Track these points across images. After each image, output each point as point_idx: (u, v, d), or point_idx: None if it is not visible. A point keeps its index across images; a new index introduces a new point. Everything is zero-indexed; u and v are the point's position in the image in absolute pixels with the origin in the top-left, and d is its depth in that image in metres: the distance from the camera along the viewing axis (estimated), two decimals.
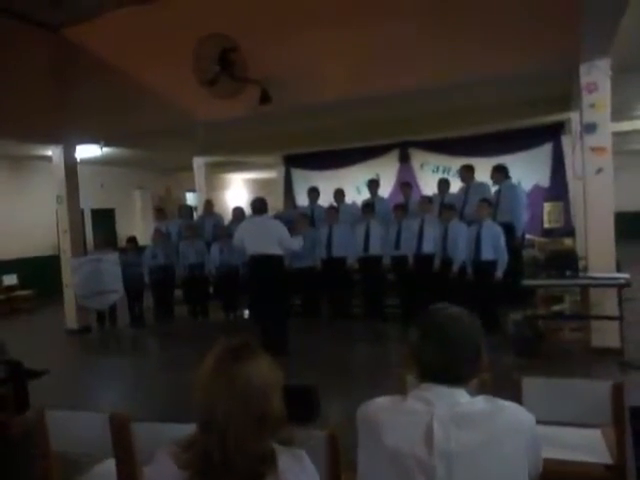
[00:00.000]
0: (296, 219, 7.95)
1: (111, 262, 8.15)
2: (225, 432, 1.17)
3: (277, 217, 8.35)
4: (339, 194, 8.47)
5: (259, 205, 6.17)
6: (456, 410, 1.30)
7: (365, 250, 7.47)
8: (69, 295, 8.17)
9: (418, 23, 5.67)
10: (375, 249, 7.45)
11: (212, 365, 1.25)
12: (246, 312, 8.33)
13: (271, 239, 5.85)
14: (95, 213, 12.42)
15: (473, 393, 1.38)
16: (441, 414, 1.29)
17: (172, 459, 1.22)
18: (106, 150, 9.30)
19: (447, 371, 1.35)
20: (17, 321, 9.16)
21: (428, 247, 7.00)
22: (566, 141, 8.91)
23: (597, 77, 5.16)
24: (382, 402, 1.40)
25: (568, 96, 6.69)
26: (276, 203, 9.80)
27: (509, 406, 1.35)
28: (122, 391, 5.55)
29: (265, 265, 5.87)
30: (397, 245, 7.31)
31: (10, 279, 10.40)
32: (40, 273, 10.39)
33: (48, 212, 10.44)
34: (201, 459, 1.19)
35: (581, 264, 5.60)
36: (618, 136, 8.76)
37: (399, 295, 7.50)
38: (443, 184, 7.93)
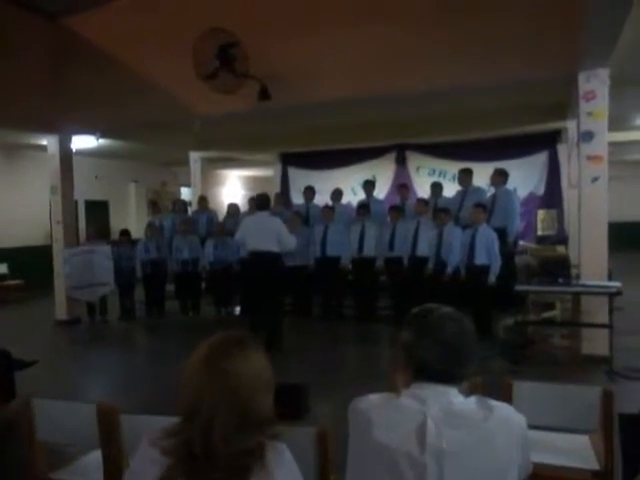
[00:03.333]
0: (290, 217, 7.95)
1: (103, 254, 8.10)
2: (209, 425, 1.17)
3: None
4: (336, 194, 8.46)
5: (262, 201, 6.18)
6: (449, 409, 1.30)
7: (359, 251, 7.47)
8: (60, 286, 8.11)
9: (420, 27, 5.68)
10: (369, 250, 7.45)
11: (202, 356, 1.25)
12: (237, 308, 8.31)
13: (271, 236, 5.85)
14: (89, 205, 12.35)
15: (465, 395, 1.38)
16: (434, 413, 1.29)
17: (154, 446, 1.22)
18: (102, 142, 9.25)
19: (442, 370, 1.34)
20: (6, 311, 9.09)
21: (423, 250, 7.01)
22: (562, 150, 8.95)
23: (595, 86, 5.18)
24: (374, 399, 1.39)
25: (565, 104, 6.73)
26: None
27: (501, 406, 1.35)
28: (110, 383, 5.51)
29: (264, 262, 5.88)
30: (391, 246, 7.32)
31: (0, 268, 10.32)
32: (31, 263, 10.30)
33: (41, 202, 10.36)
34: (183, 447, 1.19)
35: (573, 272, 5.62)
36: (614, 146, 8.81)
37: (392, 297, 7.50)
38: (436, 188, 7.96)
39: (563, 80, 5.50)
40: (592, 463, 2.29)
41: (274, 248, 5.88)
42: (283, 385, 3.67)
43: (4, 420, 3.85)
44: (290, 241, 6.04)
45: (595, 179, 5.23)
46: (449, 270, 6.68)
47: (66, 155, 8.15)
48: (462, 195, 7.61)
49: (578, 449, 2.39)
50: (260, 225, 5.97)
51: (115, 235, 10.35)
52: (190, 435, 1.18)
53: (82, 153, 9.74)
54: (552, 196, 9.27)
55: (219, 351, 1.25)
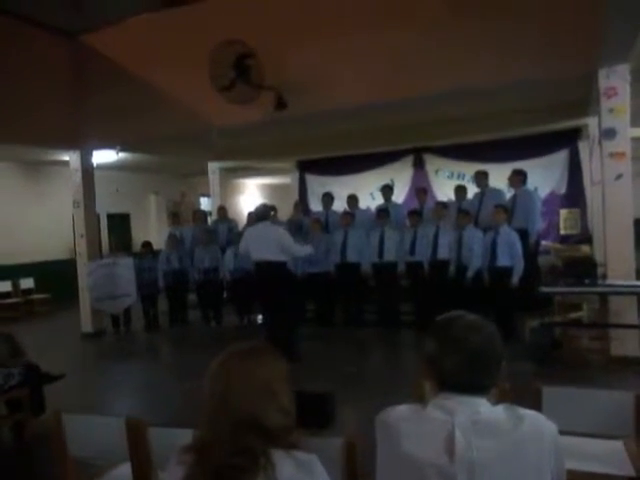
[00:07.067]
0: (309, 224, 7.94)
1: (126, 266, 8.21)
2: (209, 430, 1.22)
3: (289, 222, 8.40)
4: (352, 200, 8.44)
5: (261, 212, 6.19)
6: (477, 419, 1.28)
7: (379, 256, 7.43)
8: (85, 299, 8.24)
9: (435, 29, 5.66)
10: (389, 255, 7.40)
11: (212, 366, 1.30)
12: (259, 317, 8.33)
13: (272, 245, 5.82)
14: (111, 217, 12.54)
15: (493, 402, 1.35)
16: (462, 423, 1.27)
17: (178, 462, 1.25)
18: (122, 155, 9.39)
19: (467, 381, 1.32)
20: (33, 324, 9.25)
21: (443, 253, 6.94)
22: (583, 147, 8.80)
23: (616, 82, 5.10)
24: (402, 410, 1.38)
25: (585, 101, 6.62)
26: (290, 209, 9.79)
27: (530, 414, 1.32)
28: (136, 395, 5.55)
29: (267, 272, 5.86)
30: (412, 251, 7.26)
31: (27, 282, 10.52)
32: (56, 277, 10.49)
33: (65, 216, 10.56)
34: (195, 458, 1.22)
35: (599, 271, 5.52)
36: (637, 142, 8.63)
37: (414, 302, 7.44)
38: (460, 190, 7.87)
39: (583, 77, 5.41)
40: (627, 469, 2.23)
41: (277, 257, 5.84)
42: (308, 394, 3.66)
43: (35, 434, 3.91)
44: (299, 249, 6.03)
45: (619, 176, 5.13)
46: (470, 273, 6.60)
47: (88, 170, 8.29)
48: (480, 197, 7.54)
49: (612, 455, 2.33)
50: (261, 235, 5.94)
51: (137, 247, 10.47)
52: (198, 446, 1.23)
53: (103, 167, 9.90)
54: (574, 195, 9.13)
55: (225, 362, 1.29)
